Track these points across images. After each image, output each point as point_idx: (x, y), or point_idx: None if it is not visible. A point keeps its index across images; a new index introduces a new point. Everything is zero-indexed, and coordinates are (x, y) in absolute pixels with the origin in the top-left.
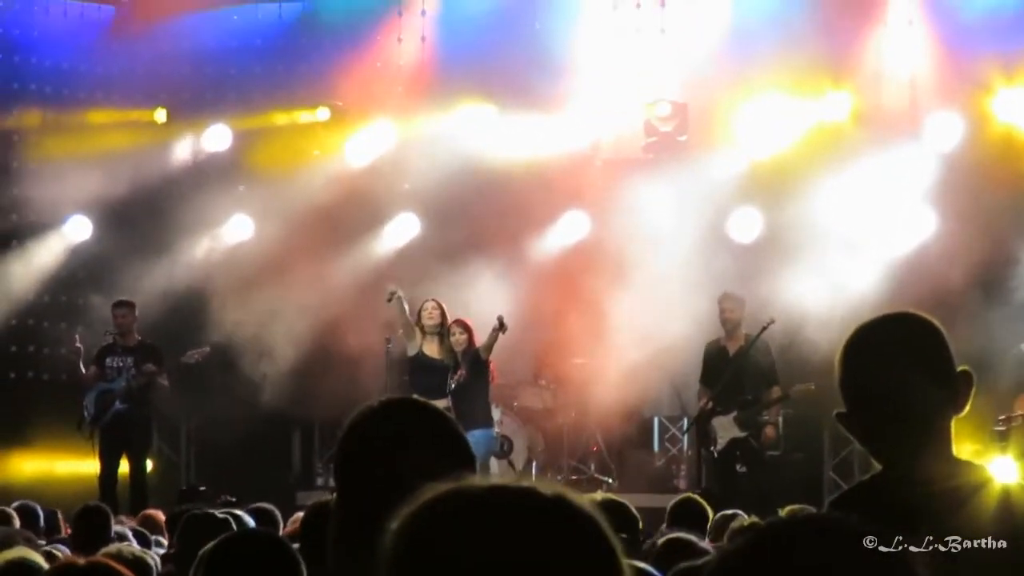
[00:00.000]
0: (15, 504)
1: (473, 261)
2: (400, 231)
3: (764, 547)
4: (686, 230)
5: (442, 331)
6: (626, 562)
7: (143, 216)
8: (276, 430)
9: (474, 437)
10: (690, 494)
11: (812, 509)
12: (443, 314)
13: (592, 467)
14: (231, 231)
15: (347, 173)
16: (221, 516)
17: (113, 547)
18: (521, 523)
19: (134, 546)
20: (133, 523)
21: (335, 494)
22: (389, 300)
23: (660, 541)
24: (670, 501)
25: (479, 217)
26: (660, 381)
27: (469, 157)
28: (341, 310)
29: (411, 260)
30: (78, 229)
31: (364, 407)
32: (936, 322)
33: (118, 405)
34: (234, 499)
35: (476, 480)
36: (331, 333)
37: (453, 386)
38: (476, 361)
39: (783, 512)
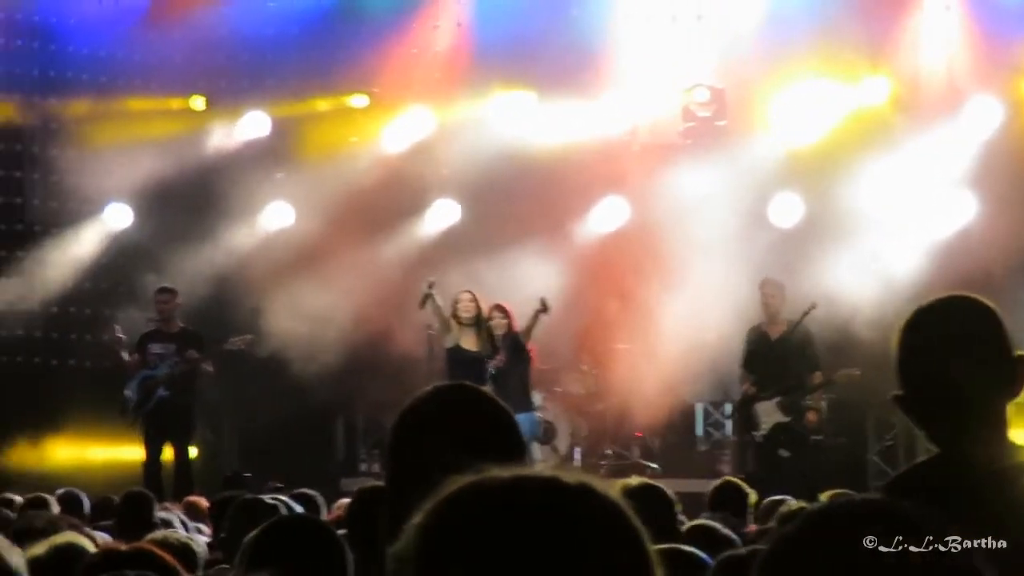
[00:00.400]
0: (59, 492)
1: (512, 247)
2: (439, 217)
3: (819, 531)
4: (726, 215)
5: (479, 322)
6: (654, 550)
7: (183, 203)
8: (319, 417)
9: (518, 421)
10: (729, 478)
11: (852, 493)
12: (479, 305)
13: (635, 453)
14: (271, 218)
15: (385, 159)
16: (270, 502)
17: (159, 533)
18: (544, 514)
19: (180, 532)
20: (179, 510)
21: (386, 478)
22: (422, 305)
23: (684, 529)
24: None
25: (518, 203)
26: (702, 366)
27: (507, 143)
28: (382, 296)
29: (450, 246)
30: (118, 216)
31: (417, 392)
32: (993, 306)
33: (161, 392)
34: (281, 485)
35: (497, 470)
36: (373, 319)
37: (492, 371)
38: (516, 345)
39: (823, 497)
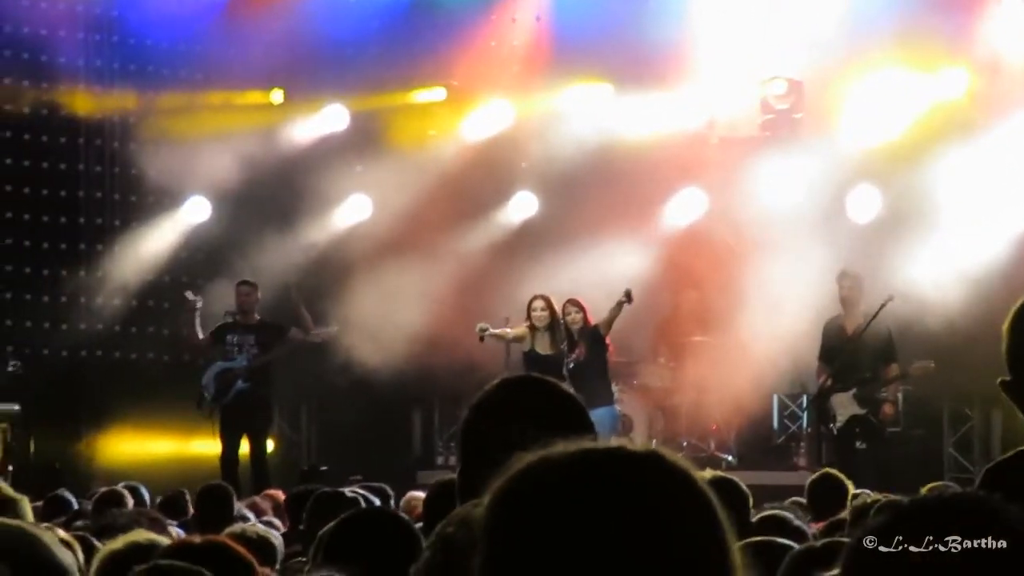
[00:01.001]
0: (119, 485)
1: (590, 239)
2: (518, 210)
3: (909, 526)
4: (804, 208)
5: (553, 325)
6: (726, 518)
7: (261, 197)
8: (396, 409)
9: (596, 415)
10: (828, 470)
11: (955, 487)
12: (552, 309)
13: (712, 445)
14: (349, 211)
15: (464, 153)
16: (350, 495)
17: (237, 526)
18: (612, 482)
19: (258, 526)
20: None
21: (458, 469)
22: (481, 340)
23: (755, 519)
24: (792, 478)
25: (596, 195)
26: (779, 359)
27: (585, 136)
28: (460, 289)
29: (528, 239)
30: (197, 210)
31: (487, 385)
32: None
33: (240, 384)
34: (360, 478)
35: (563, 444)
36: (450, 313)
37: (572, 365)
38: (595, 338)
39: (924, 490)
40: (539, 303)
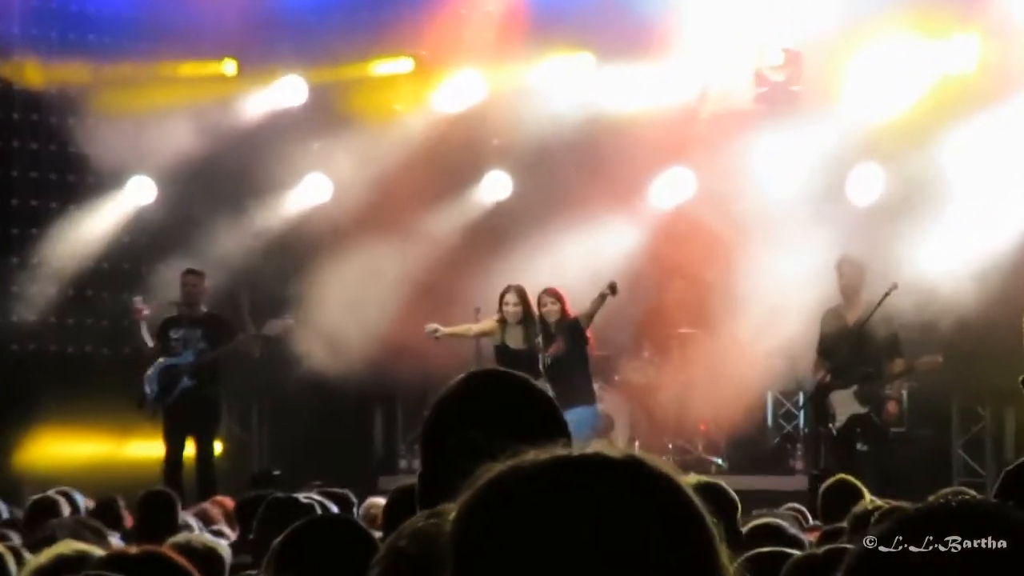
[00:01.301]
0: (53, 491)
1: (568, 223)
2: (490, 191)
3: (911, 535)
4: (801, 189)
5: (527, 319)
6: (716, 529)
7: (211, 177)
8: (356, 409)
9: (575, 415)
10: (843, 476)
11: (968, 492)
12: (525, 302)
13: (700, 447)
14: (307, 192)
15: (431, 129)
16: (305, 501)
17: (181, 536)
18: (589, 495)
19: (205, 535)
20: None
21: (419, 473)
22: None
23: (747, 527)
24: (787, 483)
25: (575, 175)
26: (773, 353)
27: (564, 111)
28: (427, 277)
29: (501, 222)
30: (141, 191)
31: (450, 382)
32: None
33: (185, 382)
34: (320, 483)
35: (535, 452)
36: (416, 303)
37: (549, 360)
38: (574, 331)
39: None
40: (511, 296)
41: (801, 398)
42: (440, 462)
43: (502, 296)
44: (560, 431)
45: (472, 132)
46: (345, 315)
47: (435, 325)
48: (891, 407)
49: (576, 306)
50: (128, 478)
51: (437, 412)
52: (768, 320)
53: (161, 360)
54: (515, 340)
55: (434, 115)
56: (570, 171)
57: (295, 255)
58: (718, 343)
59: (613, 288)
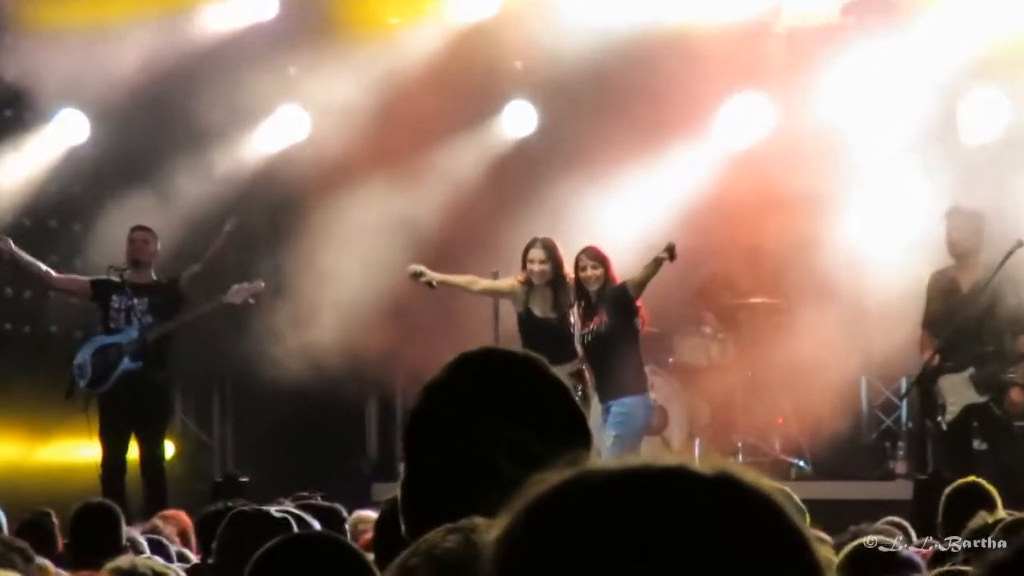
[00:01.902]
0: None
1: (606, 165)
2: (509, 126)
3: None
4: (901, 122)
5: (556, 281)
6: (826, 561)
7: (160, 111)
8: (345, 399)
9: (624, 407)
10: (974, 478)
11: None
12: (556, 260)
13: (776, 446)
14: (280, 129)
15: (436, 48)
16: (279, 516)
17: (124, 560)
18: (669, 516)
19: (155, 560)
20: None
21: (403, 477)
22: (431, 286)
23: (848, 549)
24: (887, 490)
25: (615, 106)
26: (869, 328)
27: (602, 25)
28: (433, 232)
29: (523, 164)
30: (71, 128)
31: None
32: None
33: (127, 364)
34: (307, 494)
35: (602, 462)
36: (420, 264)
37: (589, 338)
38: (621, 301)
39: None
40: (537, 251)
41: (904, 384)
42: (431, 465)
43: (526, 251)
44: (578, 428)
45: (488, 52)
46: (329, 280)
47: (420, 267)
48: (1016, 395)
49: (622, 272)
50: (54, 488)
51: (427, 401)
52: (860, 287)
53: (97, 338)
54: (543, 307)
55: (439, 30)
56: (610, 101)
57: (265, 206)
58: (799, 316)
59: (671, 251)
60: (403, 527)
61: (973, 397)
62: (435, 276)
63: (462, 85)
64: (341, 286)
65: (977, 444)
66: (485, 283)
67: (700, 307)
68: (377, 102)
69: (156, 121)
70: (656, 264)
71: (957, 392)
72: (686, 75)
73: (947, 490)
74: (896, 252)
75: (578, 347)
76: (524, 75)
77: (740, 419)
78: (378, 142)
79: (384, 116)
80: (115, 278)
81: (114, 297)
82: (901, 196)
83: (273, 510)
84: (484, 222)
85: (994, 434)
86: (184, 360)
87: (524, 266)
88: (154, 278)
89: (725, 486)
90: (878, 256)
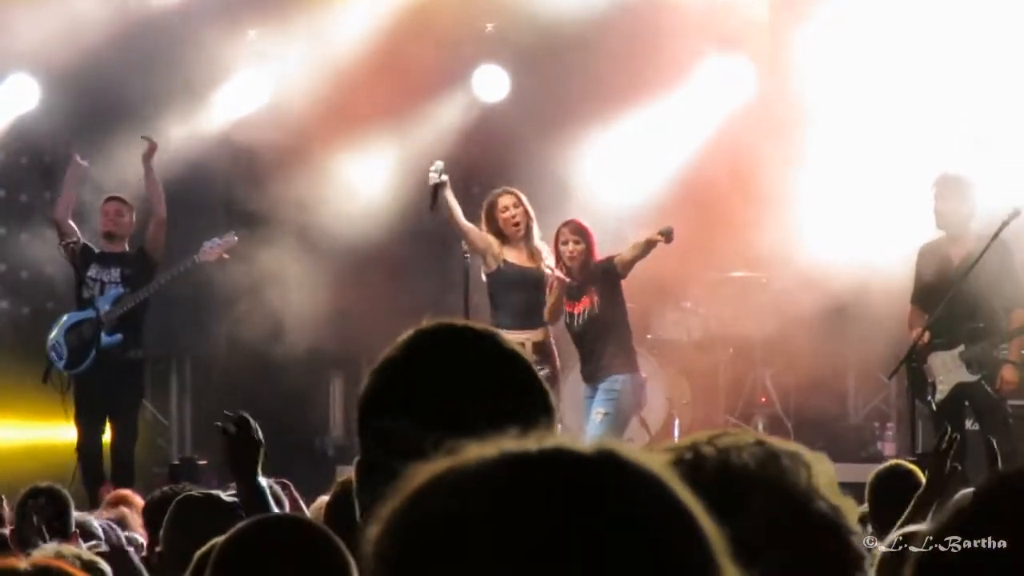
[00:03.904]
0: None
1: (582, 131)
2: (480, 91)
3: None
4: (894, 79)
5: (529, 234)
6: (716, 537)
7: (113, 76)
8: (308, 376)
9: (616, 384)
10: (898, 461)
11: None
12: (527, 211)
13: (760, 426)
14: (239, 96)
15: (403, 10)
16: (229, 500)
17: (49, 547)
18: (545, 500)
19: (81, 548)
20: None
21: (356, 461)
22: (433, 206)
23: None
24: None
25: (592, 69)
26: (854, 302)
27: None
28: (398, 205)
29: (494, 131)
30: (18, 94)
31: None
32: None
33: (104, 339)
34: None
35: (477, 447)
36: (385, 237)
37: (582, 318)
38: (609, 279)
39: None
40: (508, 199)
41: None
42: (386, 448)
43: (494, 202)
44: (543, 407)
45: (457, 13)
46: (291, 251)
47: (446, 177)
48: (1007, 373)
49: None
50: (26, 471)
51: (380, 379)
52: (848, 260)
53: (68, 315)
54: (519, 257)
55: None
56: (585, 64)
57: (224, 176)
58: (782, 289)
59: (668, 235)
60: (358, 510)
61: (964, 375)
62: (448, 187)
63: (428, 48)
64: (300, 260)
65: (969, 424)
66: (469, 226)
67: (679, 281)
68: (340, 68)
69: (110, 87)
70: (648, 246)
71: (947, 370)
72: (663, 38)
73: (871, 474)
74: (890, 223)
75: (574, 327)
76: (495, 38)
77: (722, 398)
78: (340, 109)
79: (347, 82)
80: (94, 248)
81: (93, 266)
82: (891, 159)
83: (223, 494)
84: (456, 191)
85: (984, 414)
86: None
87: (490, 219)
88: (127, 249)
89: (606, 466)
90: (870, 228)
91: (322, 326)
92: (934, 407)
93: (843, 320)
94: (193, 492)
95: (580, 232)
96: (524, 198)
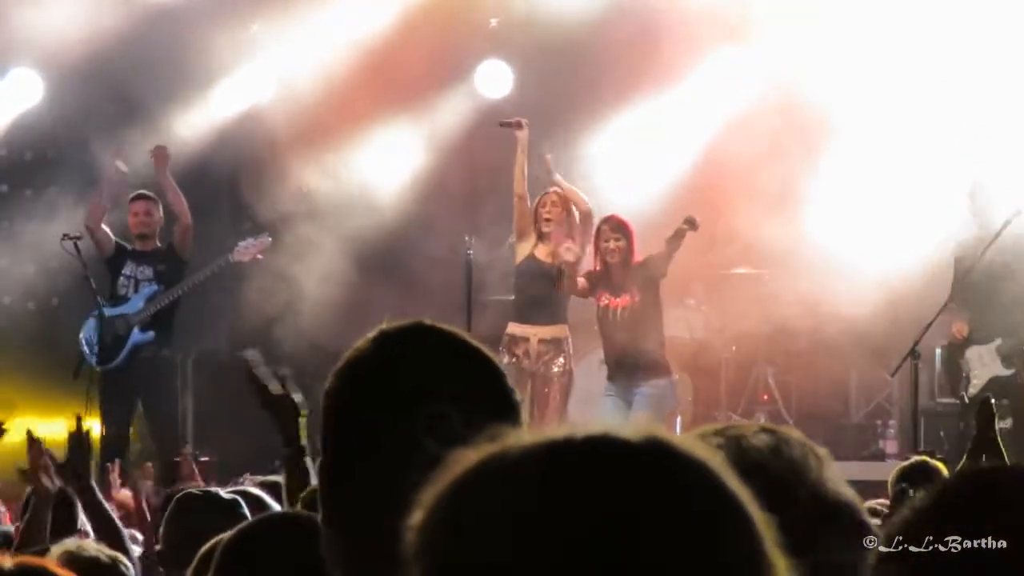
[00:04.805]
0: None
1: (586, 127)
2: (485, 85)
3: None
4: (901, 78)
5: (558, 233)
6: (767, 529)
7: (117, 71)
8: (309, 369)
9: (657, 389)
10: (924, 457)
11: None
12: (563, 210)
13: (762, 422)
14: (244, 89)
15: (408, 5)
16: (228, 497)
17: (71, 542)
18: (593, 487)
19: (103, 546)
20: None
21: (321, 461)
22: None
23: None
24: (877, 471)
25: (595, 65)
26: (856, 299)
27: None
28: (402, 199)
29: (499, 127)
30: (22, 89)
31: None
32: None
33: (136, 335)
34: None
35: (516, 434)
36: (387, 231)
37: (622, 315)
38: (649, 280)
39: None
40: (554, 196)
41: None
42: (351, 446)
43: (539, 202)
44: (511, 408)
45: (461, 8)
46: (292, 251)
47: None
48: None
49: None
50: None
51: (347, 380)
52: (858, 252)
53: (101, 310)
54: (545, 252)
55: None
56: (590, 58)
57: (227, 171)
58: (788, 286)
59: (693, 224)
60: (321, 513)
61: (999, 370)
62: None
63: (433, 44)
64: (304, 254)
65: (1000, 424)
66: (524, 203)
67: (683, 278)
68: (345, 62)
69: (114, 82)
70: (679, 237)
71: (983, 364)
72: (667, 34)
73: (894, 471)
74: (887, 223)
75: (613, 319)
76: (500, 33)
77: (724, 395)
78: (345, 104)
79: (351, 76)
80: (127, 245)
81: (128, 263)
82: (891, 164)
83: (222, 491)
84: (459, 187)
85: (1018, 409)
86: None
87: (535, 217)
88: (158, 245)
89: (653, 453)
90: (868, 227)
91: (324, 323)
92: (966, 400)
93: (845, 318)
94: (192, 490)
95: (620, 228)
96: (570, 198)
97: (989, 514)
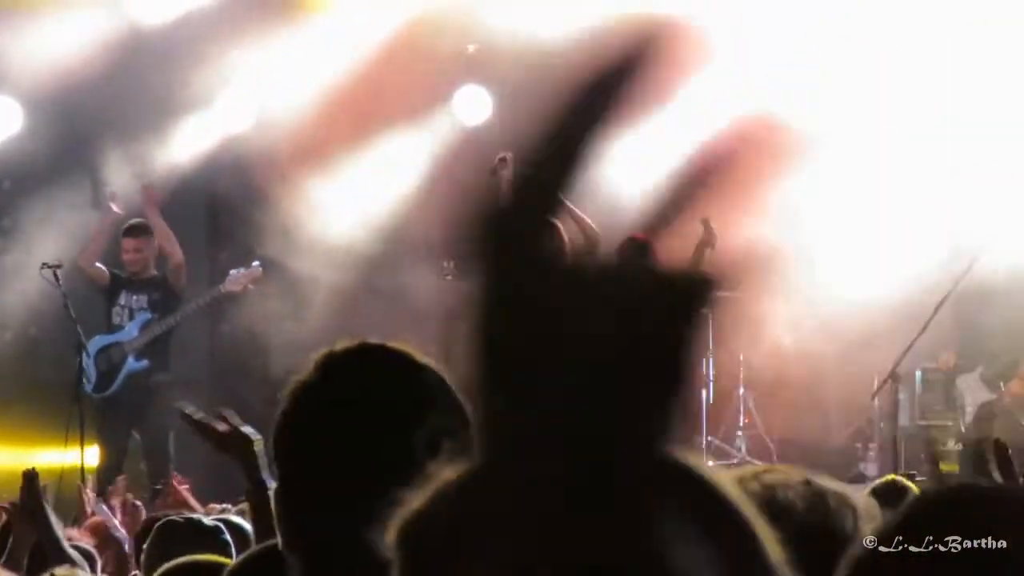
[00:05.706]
0: None
1: None
2: (464, 112)
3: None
4: (895, 93)
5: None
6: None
7: (98, 99)
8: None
9: None
10: (895, 477)
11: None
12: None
13: (743, 447)
14: (223, 118)
15: (386, 28)
16: (210, 524)
17: (61, 571)
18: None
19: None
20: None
21: (278, 482)
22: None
23: None
24: (858, 492)
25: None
26: (837, 323)
27: (561, 6)
28: (382, 224)
29: (479, 153)
30: (2, 117)
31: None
32: None
33: (131, 363)
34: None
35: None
36: (367, 257)
37: None
38: None
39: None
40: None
41: (876, 383)
42: (316, 470)
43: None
44: (462, 418)
45: (440, 33)
46: (274, 275)
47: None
48: (1016, 386)
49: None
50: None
51: (299, 405)
52: (834, 282)
53: (96, 338)
54: None
55: (390, 11)
56: (569, 85)
57: (207, 198)
58: (768, 307)
59: (710, 229)
60: (281, 540)
61: (985, 395)
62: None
63: (412, 70)
64: (285, 279)
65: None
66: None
67: None
68: (324, 89)
69: (95, 111)
70: (700, 250)
71: (972, 391)
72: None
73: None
74: (871, 245)
75: None
76: (479, 59)
77: (704, 417)
78: (325, 131)
79: (330, 104)
80: (121, 274)
81: (122, 293)
82: (876, 185)
83: (205, 519)
84: (437, 214)
85: (1004, 432)
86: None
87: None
88: (154, 273)
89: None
90: (851, 249)
91: (306, 347)
92: (963, 428)
93: (826, 341)
94: (174, 517)
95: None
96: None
97: (950, 530)
